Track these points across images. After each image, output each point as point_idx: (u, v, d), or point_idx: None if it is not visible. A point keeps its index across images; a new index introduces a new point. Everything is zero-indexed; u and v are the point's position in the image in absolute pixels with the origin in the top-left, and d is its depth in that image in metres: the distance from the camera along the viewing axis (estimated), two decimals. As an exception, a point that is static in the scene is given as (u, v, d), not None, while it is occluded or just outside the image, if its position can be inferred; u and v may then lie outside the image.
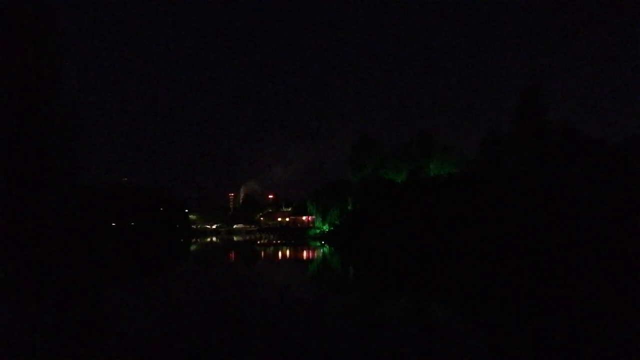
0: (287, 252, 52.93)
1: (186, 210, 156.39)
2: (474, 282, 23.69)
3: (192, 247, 69.54)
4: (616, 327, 12.95)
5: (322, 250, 55.22)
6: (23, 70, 38.14)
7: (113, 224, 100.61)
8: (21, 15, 36.91)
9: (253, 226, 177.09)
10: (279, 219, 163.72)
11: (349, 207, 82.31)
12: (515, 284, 22.14)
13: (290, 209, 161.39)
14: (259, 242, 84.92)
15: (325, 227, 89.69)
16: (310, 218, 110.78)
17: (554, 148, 52.80)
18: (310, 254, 50.37)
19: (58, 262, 37.69)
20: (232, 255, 52.14)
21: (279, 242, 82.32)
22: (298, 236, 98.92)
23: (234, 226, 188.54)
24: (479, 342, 11.88)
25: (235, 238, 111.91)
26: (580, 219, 46.27)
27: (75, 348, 11.32)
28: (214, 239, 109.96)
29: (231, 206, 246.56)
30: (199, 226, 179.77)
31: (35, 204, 42.97)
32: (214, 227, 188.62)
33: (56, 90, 42.56)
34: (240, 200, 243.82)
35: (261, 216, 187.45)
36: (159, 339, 12.06)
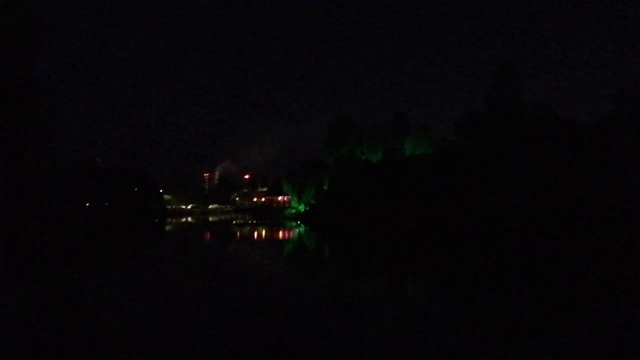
0: (263, 233, 52.53)
1: (161, 190, 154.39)
2: (446, 259, 23.65)
3: (167, 227, 68.73)
4: (584, 295, 12.95)
5: (297, 230, 54.97)
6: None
7: (87, 204, 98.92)
8: None
9: (229, 206, 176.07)
10: (255, 199, 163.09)
11: (325, 187, 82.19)
12: (487, 260, 22.16)
13: (266, 189, 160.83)
14: (234, 222, 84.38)
15: (301, 207, 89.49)
16: (286, 198, 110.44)
17: (529, 129, 53.09)
18: (286, 234, 50.07)
19: (33, 243, 36.64)
20: (208, 235, 51.51)
21: (254, 222, 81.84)
22: (274, 216, 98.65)
23: (210, 206, 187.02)
24: (450, 319, 11.81)
25: (210, 218, 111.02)
26: (554, 198, 46.77)
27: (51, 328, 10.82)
28: (189, 219, 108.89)
29: (206, 186, 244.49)
30: (173, 206, 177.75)
31: (8, 186, 41.41)
32: (189, 207, 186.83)
33: (29, 71, 40.27)
34: (216, 181, 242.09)
35: (237, 196, 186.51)
36: (134, 318, 11.62)
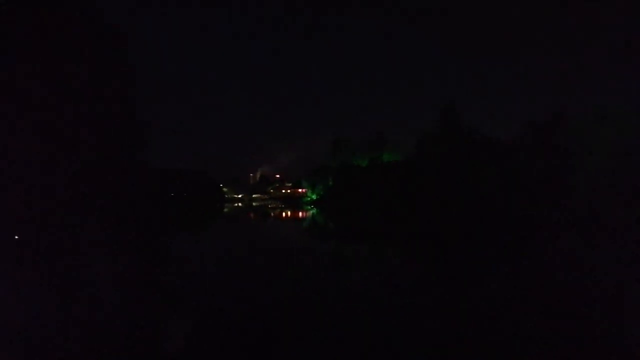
0: (288, 213, 54.83)
1: (221, 185, 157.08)
2: (409, 236, 25.99)
3: (225, 210, 71.17)
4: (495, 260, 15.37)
5: (311, 212, 57.24)
6: (106, 89, 33.26)
7: (172, 194, 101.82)
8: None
9: (266, 196, 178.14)
10: (283, 191, 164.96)
11: (330, 183, 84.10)
12: (435, 238, 24.44)
13: (291, 184, 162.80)
14: (269, 206, 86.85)
15: (314, 197, 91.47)
16: (304, 190, 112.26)
17: (464, 145, 54.43)
18: (303, 214, 52.27)
19: (139, 222, 39.05)
20: (252, 214, 53.92)
21: (283, 206, 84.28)
22: (296, 203, 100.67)
23: (253, 196, 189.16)
24: (412, 270, 13.31)
25: (254, 204, 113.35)
26: (480, 195, 48.27)
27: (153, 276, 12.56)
28: (240, 204, 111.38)
29: (251, 182, 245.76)
30: (229, 196, 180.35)
31: (121, 184, 42.31)
32: (239, 196, 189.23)
33: (132, 108, 39.32)
34: (258, 178, 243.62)
35: (271, 189, 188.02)
36: (213, 257, 14.28)
